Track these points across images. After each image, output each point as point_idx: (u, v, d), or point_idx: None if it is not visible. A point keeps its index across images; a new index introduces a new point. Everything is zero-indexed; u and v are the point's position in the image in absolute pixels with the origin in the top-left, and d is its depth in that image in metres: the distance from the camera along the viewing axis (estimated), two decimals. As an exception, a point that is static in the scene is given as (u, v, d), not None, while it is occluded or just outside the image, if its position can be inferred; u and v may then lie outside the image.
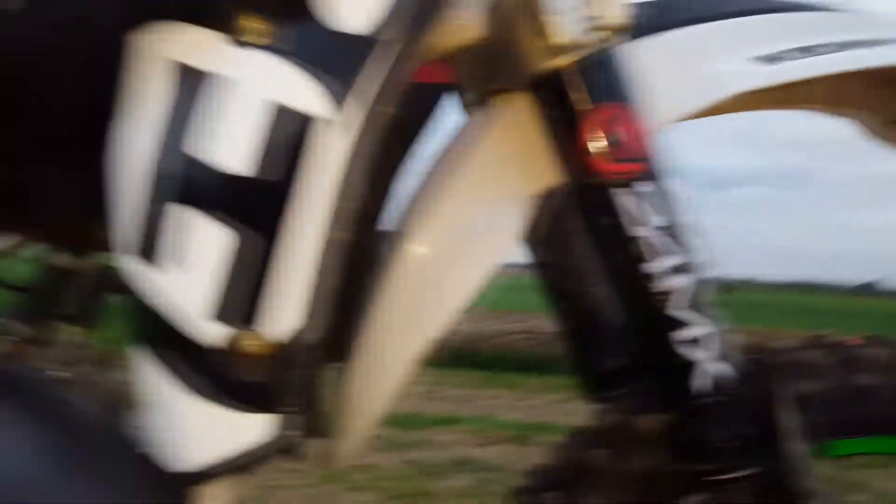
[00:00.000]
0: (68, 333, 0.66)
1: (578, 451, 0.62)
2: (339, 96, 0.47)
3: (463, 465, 2.71)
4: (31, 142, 0.53)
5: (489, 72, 0.56)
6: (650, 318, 0.54)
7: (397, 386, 0.56)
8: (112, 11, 0.48)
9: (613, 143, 0.52)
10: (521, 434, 3.17)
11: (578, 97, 0.53)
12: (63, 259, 0.63)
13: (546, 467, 0.65)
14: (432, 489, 2.47)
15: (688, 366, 0.54)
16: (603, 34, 0.52)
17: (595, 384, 0.69)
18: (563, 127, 0.54)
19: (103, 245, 0.65)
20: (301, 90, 0.47)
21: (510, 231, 0.55)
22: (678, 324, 0.53)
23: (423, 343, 0.55)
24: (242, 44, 0.48)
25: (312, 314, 0.48)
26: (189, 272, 0.48)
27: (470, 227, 0.54)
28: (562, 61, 0.52)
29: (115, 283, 0.65)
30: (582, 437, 0.63)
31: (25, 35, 0.49)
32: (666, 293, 0.53)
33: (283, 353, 0.48)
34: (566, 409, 3.88)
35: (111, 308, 0.67)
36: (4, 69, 0.49)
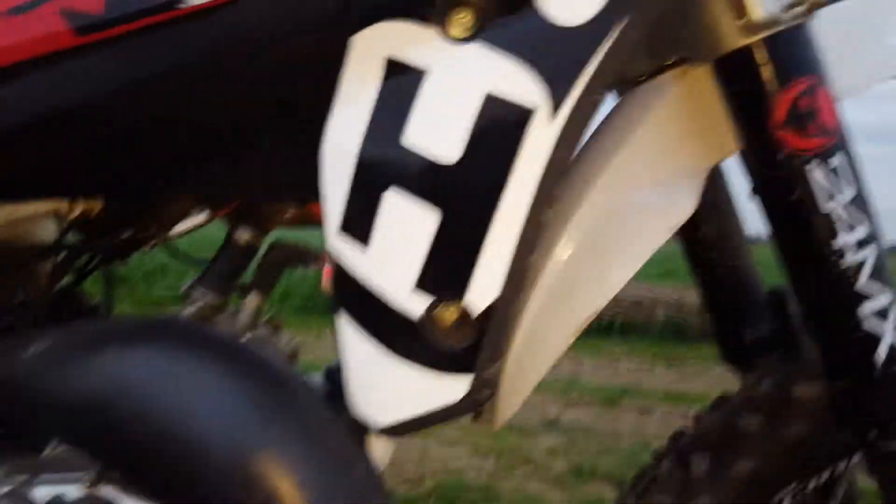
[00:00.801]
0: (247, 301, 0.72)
1: (728, 417, 0.64)
2: (552, 85, 0.50)
3: (551, 425, 2.76)
4: (246, 129, 0.58)
5: (667, 47, 0.58)
6: (839, 293, 0.55)
7: (555, 356, 0.60)
8: (331, 15, 0.53)
9: (806, 118, 0.53)
10: (607, 397, 3.19)
11: (770, 73, 0.53)
12: (243, 234, 0.69)
13: (693, 431, 0.68)
14: (523, 446, 2.53)
15: (872, 337, 0.54)
16: (801, 10, 0.52)
17: (741, 353, 0.71)
18: (752, 102, 0.54)
19: (280, 222, 0.71)
20: (512, 80, 0.50)
21: (683, 207, 0.57)
22: (864, 297, 0.54)
23: (584, 316, 0.59)
24: (454, 38, 0.51)
25: (509, 286, 0.52)
26: (394, 249, 0.53)
27: (641, 203, 0.56)
28: (754, 37, 0.52)
29: (287, 257, 0.72)
30: (731, 403, 0.65)
31: (255, 34, 0.55)
32: (854, 266, 0.54)
33: (482, 322, 0.52)
34: (650, 374, 3.89)
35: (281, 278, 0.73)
36: (233, 62, 0.56)
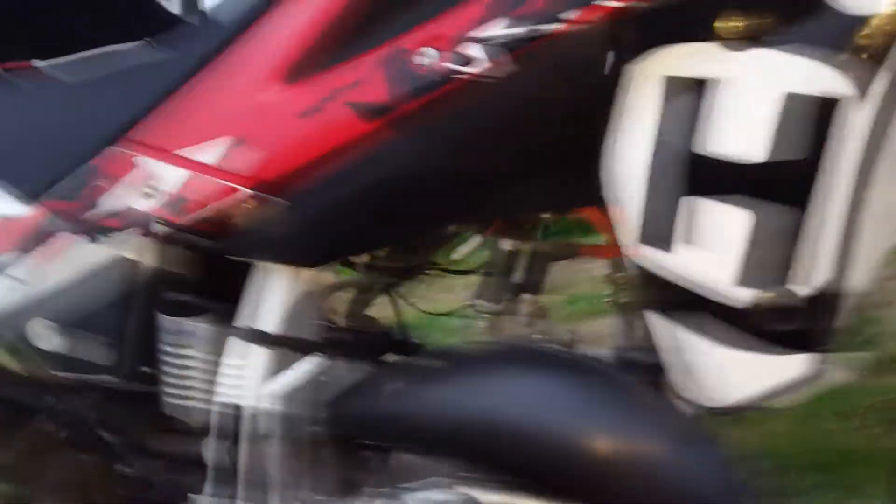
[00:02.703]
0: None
1: None
2: (856, 71, 0.50)
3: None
4: (524, 164, 0.65)
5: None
6: None
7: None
8: (608, 54, 0.58)
9: None
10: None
11: None
12: (506, 245, 0.76)
13: None
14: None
15: None
16: None
17: None
18: None
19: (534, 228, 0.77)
20: (813, 75, 0.51)
21: None
22: None
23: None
24: (737, 46, 0.53)
25: (839, 267, 0.54)
26: (708, 249, 0.56)
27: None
28: None
29: (551, 254, 0.78)
30: None
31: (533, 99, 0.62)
32: None
33: (814, 304, 0.55)
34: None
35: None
36: (512, 117, 0.62)
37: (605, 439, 0.63)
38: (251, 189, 0.70)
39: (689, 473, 0.60)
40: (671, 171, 0.57)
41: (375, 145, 0.65)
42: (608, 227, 0.72)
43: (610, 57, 0.57)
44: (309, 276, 0.83)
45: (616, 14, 0.56)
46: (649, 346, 0.77)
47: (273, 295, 0.77)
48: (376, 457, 0.83)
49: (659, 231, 0.58)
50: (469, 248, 0.77)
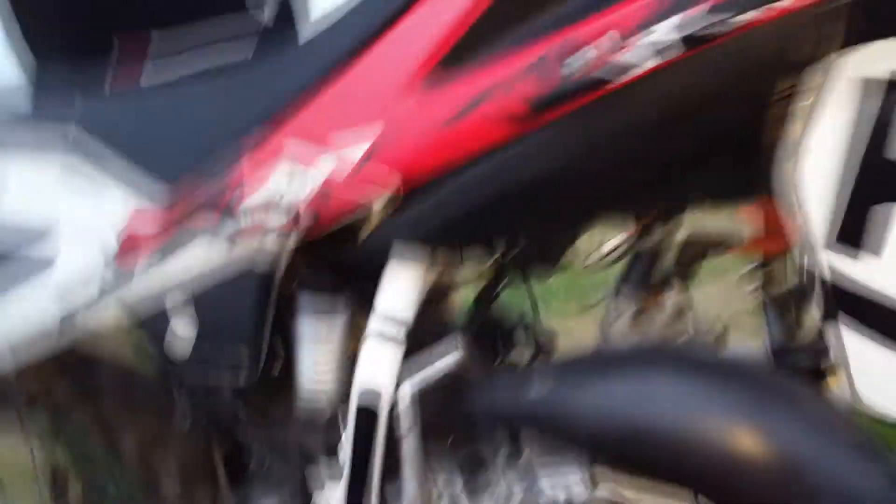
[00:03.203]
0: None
1: None
2: None
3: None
4: (692, 146, 0.63)
5: None
6: None
7: None
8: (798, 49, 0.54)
9: None
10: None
11: None
12: (653, 236, 0.72)
13: None
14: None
15: None
16: None
17: None
18: None
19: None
20: None
21: None
22: None
23: None
24: None
25: None
26: None
27: None
28: None
29: (708, 244, 0.74)
30: None
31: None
32: None
33: None
34: None
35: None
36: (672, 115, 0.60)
37: (760, 445, 0.60)
38: (394, 188, 0.69)
39: (852, 483, 0.57)
40: (865, 176, 0.53)
41: (527, 144, 0.63)
42: (766, 222, 0.69)
43: (800, 52, 0.54)
44: (444, 272, 0.82)
45: (814, 5, 0.52)
46: (803, 347, 0.74)
47: (409, 290, 0.76)
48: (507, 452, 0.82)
49: (847, 237, 0.55)
50: (616, 242, 0.74)
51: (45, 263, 0.84)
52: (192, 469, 1.04)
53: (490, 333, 0.83)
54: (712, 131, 0.61)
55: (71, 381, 0.98)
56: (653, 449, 0.63)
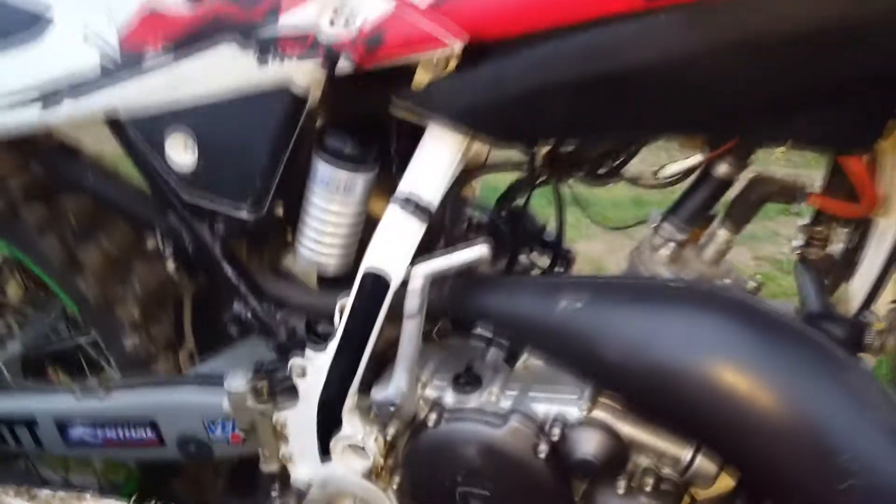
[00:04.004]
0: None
1: None
2: None
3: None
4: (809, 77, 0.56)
5: None
6: None
7: None
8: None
9: None
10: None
11: None
12: (721, 167, 0.66)
13: None
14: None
15: None
16: None
17: None
18: None
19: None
20: None
21: None
22: None
23: None
24: None
25: None
26: None
27: None
28: None
29: (771, 192, 0.69)
30: None
31: None
32: None
33: None
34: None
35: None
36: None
37: (794, 413, 0.57)
38: (460, 44, 0.60)
39: (886, 469, 0.55)
40: None
41: (629, 27, 0.56)
42: (860, 177, 0.63)
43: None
44: (479, 152, 0.74)
45: None
46: (838, 317, 0.71)
47: (442, 166, 0.68)
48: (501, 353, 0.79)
49: None
50: (681, 166, 0.68)
51: (38, 35, 0.73)
52: (155, 301, 0.98)
53: (511, 232, 0.77)
54: (855, 67, 0.54)
55: (44, 170, 0.88)
56: (675, 391, 0.60)
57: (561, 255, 0.80)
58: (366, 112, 0.71)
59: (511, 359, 0.77)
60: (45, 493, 0.50)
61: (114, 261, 0.93)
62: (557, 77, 0.60)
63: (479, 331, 0.80)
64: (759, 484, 0.61)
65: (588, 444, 0.66)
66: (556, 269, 0.81)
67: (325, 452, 0.77)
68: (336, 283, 0.77)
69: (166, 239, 0.80)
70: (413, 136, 0.72)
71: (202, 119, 0.69)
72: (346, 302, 0.72)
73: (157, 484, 1.01)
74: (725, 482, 0.69)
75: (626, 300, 0.64)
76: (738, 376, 0.58)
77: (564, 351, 0.65)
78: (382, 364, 0.75)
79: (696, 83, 0.57)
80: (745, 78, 0.56)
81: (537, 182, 0.75)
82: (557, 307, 0.64)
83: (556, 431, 0.67)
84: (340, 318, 0.72)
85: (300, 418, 0.77)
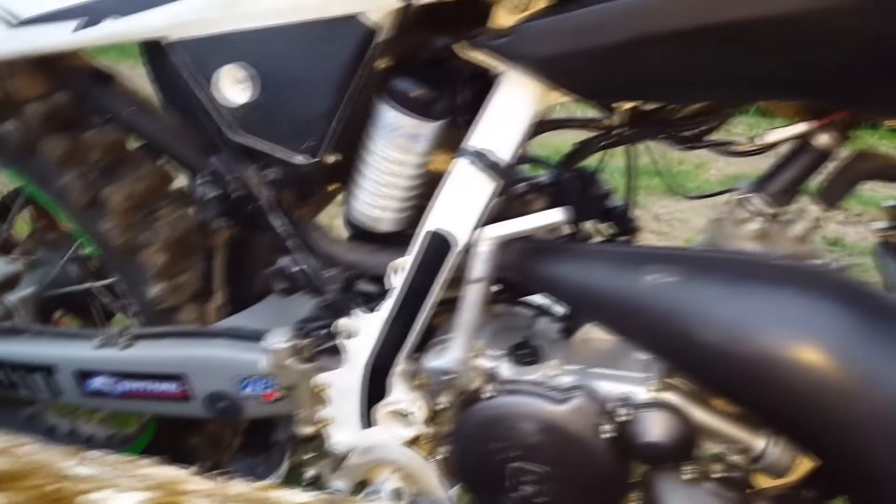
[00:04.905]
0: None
1: None
2: None
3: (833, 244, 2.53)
4: None
5: None
6: None
7: None
8: None
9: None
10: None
11: None
12: (822, 138, 0.61)
13: None
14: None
15: None
16: None
17: None
18: None
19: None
20: None
21: None
22: None
23: None
24: None
25: None
26: None
27: None
28: None
29: (873, 168, 0.64)
30: None
31: None
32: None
33: None
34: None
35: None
36: None
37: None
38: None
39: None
40: None
41: None
42: None
43: None
44: (551, 105, 0.68)
45: None
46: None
47: (516, 119, 0.63)
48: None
49: None
50: (783, 133, 0.63)
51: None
52: (183, 249, 0.92)
53: (577, 196, 0.72)
54: None
55: (75, 97, 0.81)
56: (780, 379, 0.56)
57: (628, 223, 0.75)
58: (436, 55, 0.65)
59: (566, 331, 0.73)
60: (95, 454, 0.46)
61: (139, 203, 0.86)
62: (663, 27, 0.55)
63: (526, 298, 0.76)
64: (847, 478, 0.57)
65: (656, 428, 0.62)
66: (624, 235, 0.77)
67: (366, 418, 0.74)
68: (385, 241, 0.72)
69: (205, 182, 0.74)
70: (481, 85, 0.66)
71: (260, 49, 0.63)
72: (404, 262, 0.67)
73: (173, 440, 0.97)
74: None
75: (727, 277, 0.59)
76: (852, 367, 0.54)
77: (646, 329, 0.61)
78: (428, 330, 0.71)
79: (815, 40, 0.52)
80: (873, 37, 0.51)
81: (612, 142, 0.70)
82: (642, 281, 0.59)
83: (623, 412, 0.63)
84: (394, 279, 0.67)
85: (344, 381, 0.73)
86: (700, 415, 0.63)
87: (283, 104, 0.64)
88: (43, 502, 0.35)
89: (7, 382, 0.87)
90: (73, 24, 0.64)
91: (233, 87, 0.65)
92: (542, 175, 0.75)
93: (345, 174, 0.69)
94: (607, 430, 0.63)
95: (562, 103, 0.65)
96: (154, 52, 0.68)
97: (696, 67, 0.56)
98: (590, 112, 0.72)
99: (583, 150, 0.74)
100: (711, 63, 0.55)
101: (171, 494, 0.37)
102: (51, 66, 0.75)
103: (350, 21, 0.60)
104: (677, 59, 0.55)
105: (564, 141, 0.75)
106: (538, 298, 0.76)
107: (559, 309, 0.74)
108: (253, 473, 0.87)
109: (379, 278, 0.70)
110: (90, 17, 0.63)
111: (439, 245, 0.64)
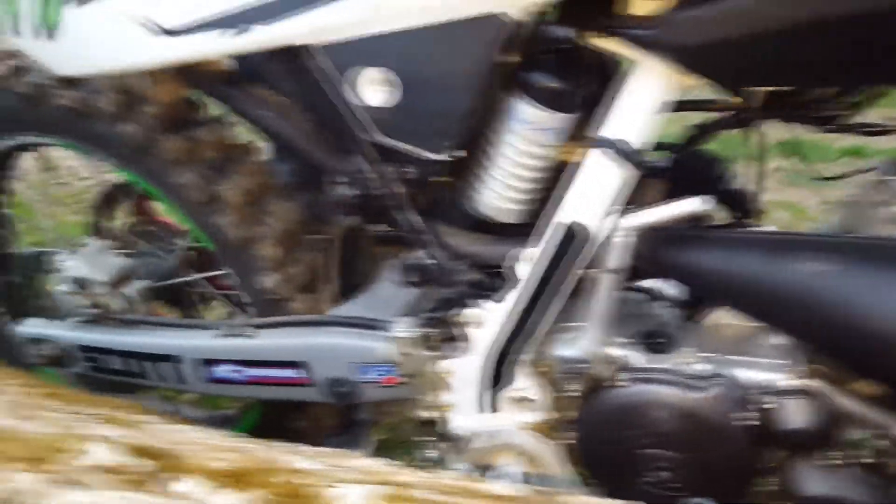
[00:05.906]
0: None
1: None
2: None
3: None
4: None
5: None
6: None
7: None
8: None
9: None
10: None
11: None
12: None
13: None
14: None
15: None
16: None
17: None
18: None
19: None
20: None
21: None
22: None
23: None
24: None
25: None
26: None
27: None
28: None
29: None
30: None
31: None
32: None
33: None
34: None
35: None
36: None
37: None
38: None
39: None
40: None
41: None
42: None
43: None
44: (682, 87, 0.68)
45: None
46: None
47: (649, 107, 0.62)
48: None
49: None
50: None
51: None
52: (295, 241, 0.94)
53: (699, 179, 0.72)
54: None
55: (216, 101, 0.83)
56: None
57: (750, 207, 0.75)
58: (559, 47, 0.65)
59: (689, 318, 0.73)
60: (306, 448, 0.48)
61: (253, 198, 0.88)
62: (818, 11, 0.53)
63: (640, 284, 0.76)
64: None
65: (802, 415, 0.62)
66: (745, 220, 0.76)
67: (488, 404, 0.75)
68: (503, 231, 0.73)
69: (345, 182, 0.75)
70: (602, 75, 0.66)
71: (403, 52, 0.64)
72: (532, 254, 0.68)
73: (277, 421, 1.00)
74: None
75: (888, 264, 0.57)
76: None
77: (804, 317, 0.60)
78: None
79: None
80: None
81: (735, 123, 0.69)
82: (795, 269, 0.59)
83: (766, 399, 0.63)
84: (520, 270, 0.68)
85: (468, 368, 0.74)
86: (844, 400, 0.63)
87: (424, 105, 0.65)
88: (283, 498, 0.36)
89: (138, 372, 0.91)
90: (225, 32, 0.65)
91: (372, 90, 0.66)
92: (660, 159, 0.74)
93: (458, 168, 0.70)
94: (749, 418, 0.63)
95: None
96: (286, 56, 0.69)
97: (849, 56, 0.55)
98: (709, 94, 0.72)
99: (703, 132, 0.73)
100: (861, 47, 0.54)
101: (396, 487, 0.38)
102: (187, 72, 0.77)
103: (490, 19, 0.60)
104: (830, 47, 0.54)
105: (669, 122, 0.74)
106: (647, 283, 0.76)
107: (673, 294, 0.74)
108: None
109: (494, 268, 0.71)
110: (239, 26, 0.65)
111: (572, 236, 0.65)
